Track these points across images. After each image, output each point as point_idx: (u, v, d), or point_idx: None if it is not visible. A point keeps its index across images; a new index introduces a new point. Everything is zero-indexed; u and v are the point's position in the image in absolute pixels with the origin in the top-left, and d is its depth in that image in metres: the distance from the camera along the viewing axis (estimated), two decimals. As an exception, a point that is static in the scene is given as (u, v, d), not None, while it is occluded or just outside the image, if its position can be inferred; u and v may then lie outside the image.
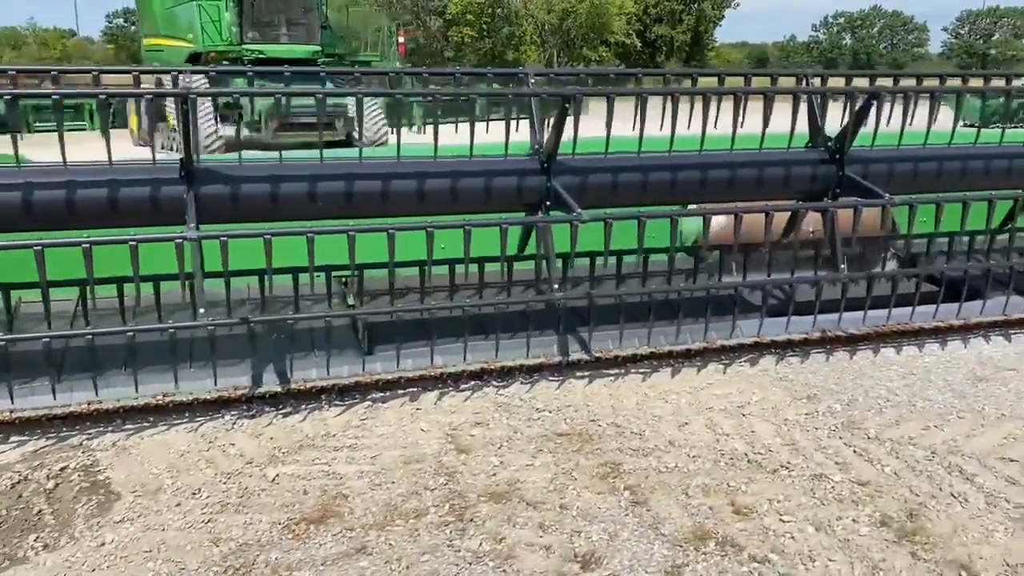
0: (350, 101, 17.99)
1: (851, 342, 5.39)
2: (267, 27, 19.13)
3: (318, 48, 19.19)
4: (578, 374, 4.87)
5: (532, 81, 4.94)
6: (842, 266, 5.01)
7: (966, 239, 6.09)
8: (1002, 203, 5.86)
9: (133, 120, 21.44)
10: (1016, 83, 5.75)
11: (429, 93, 5.26)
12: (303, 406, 4.42)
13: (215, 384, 4.39)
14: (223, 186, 4.33)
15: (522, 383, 4.74)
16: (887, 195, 4.73)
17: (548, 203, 4.69)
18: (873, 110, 5.00)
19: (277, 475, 3.75)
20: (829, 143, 5.08)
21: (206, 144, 15.88)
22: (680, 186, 5.09)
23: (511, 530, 3.32)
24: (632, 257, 5.27)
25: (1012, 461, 3.87)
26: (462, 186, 4.71)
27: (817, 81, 5.30)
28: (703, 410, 4.42)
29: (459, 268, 4.86)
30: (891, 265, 6.54)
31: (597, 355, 4.99)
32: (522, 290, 5.22)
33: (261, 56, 18.39)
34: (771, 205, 5.19)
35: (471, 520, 3.38)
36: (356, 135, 17.92)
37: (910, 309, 5.50)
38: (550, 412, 4.36)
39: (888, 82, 5.36)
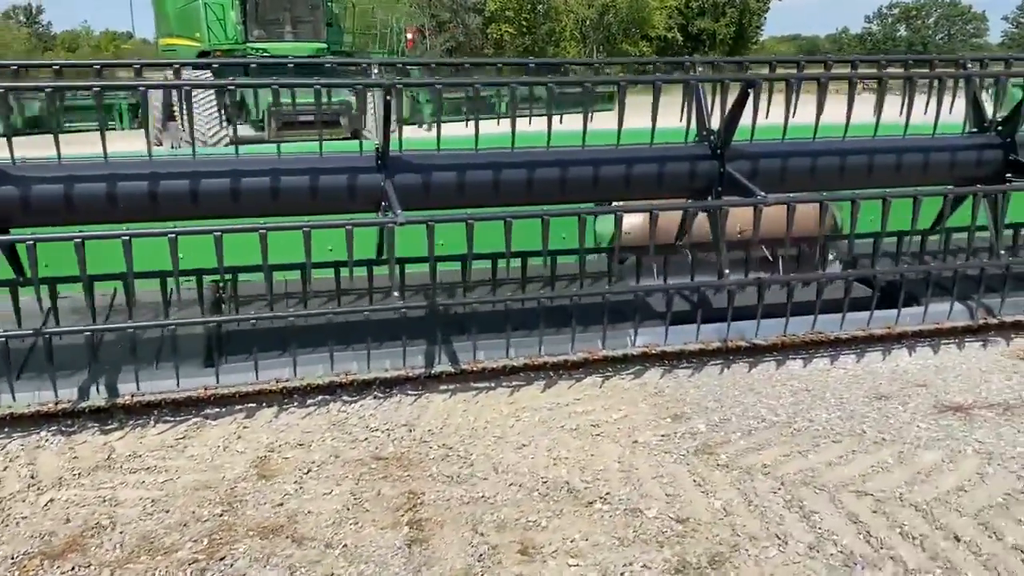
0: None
1: (756, 352, 4.94)
2: (272, 25, 19.01)
3: (323, 46, 19.02)
4: (442, 388, 4.51)
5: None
6: (726, 271, 4.54)
7: (910, 240, 5.58)
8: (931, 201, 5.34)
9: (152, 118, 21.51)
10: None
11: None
12: (131, 422, 4.11)
13: (38, 397, 4.11)
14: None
15: (376, 398, 4.40)
16: (762, 194, 4.27)
17: None
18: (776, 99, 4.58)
19: (51, 500, 3.45)
20: (712, 137, 4.62)
21: (207, 140, 15.78)
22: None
23: (257, 572, 2.96)
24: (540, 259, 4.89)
25: (866, 495, 3.42)
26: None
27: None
28: (554, 429, 4.02)
29: (334, 272, 4.68)
30: (835, 268, 6.09)
31: (464, 367, 4.61)
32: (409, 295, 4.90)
33: (265, 54, 18.23)
34: (666, 203, 4.80)
35: (222, 559, 3.04)
36: (364, 130, 17.72)
37: (840, 316, 5.03)
38: (382, 432, 4.00)
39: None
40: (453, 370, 4.60)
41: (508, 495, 3.44)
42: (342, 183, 4.20)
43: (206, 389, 4.30)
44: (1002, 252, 4.98)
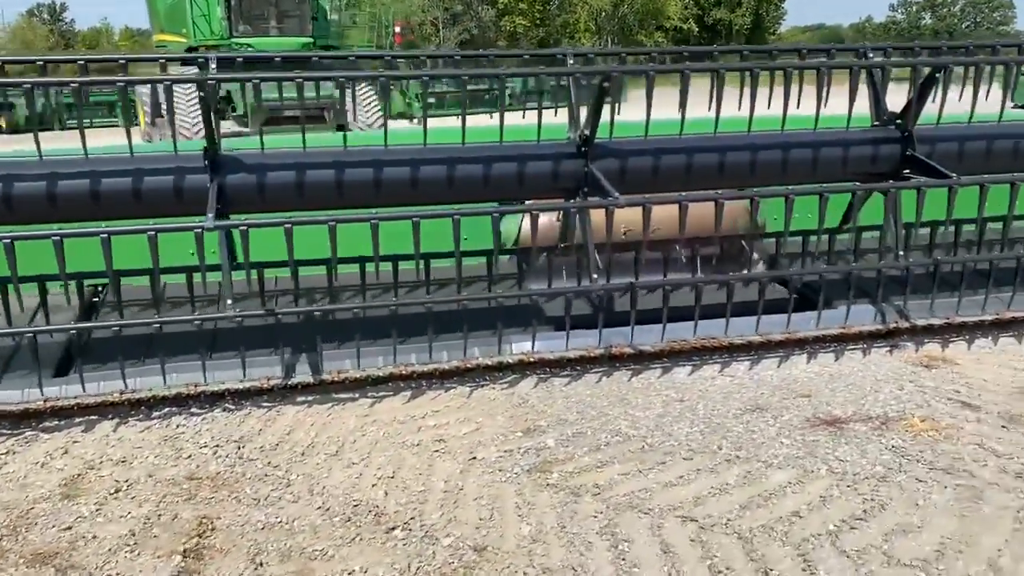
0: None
1: (644, 359, 4.68)
2: (257, 20, 18.87)
3: (310, 40, 18.85)
4: (299, 400, 4.29)
5: (571, 62, 4.56)
6: (592, 274, 4.30)
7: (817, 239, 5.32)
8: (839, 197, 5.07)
9: (141, 114, 21.47)
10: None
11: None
12: (-36, 437, 3.93)
13: None
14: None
15: (226, 410, 4.18)
16: (614, 195, 4.02)
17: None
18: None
19: None
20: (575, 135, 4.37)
21: (190, 134, 15.66)
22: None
23: (2, 606, 2.76)
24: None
25: (692, 521, 3.17)
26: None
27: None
28: (394, 446, 3.80)
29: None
30: (759, 269, 5.84)
31: (326, 377, 4.39)
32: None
33: (249, 49, 18.09)
34: (550, 203, 4.57)
35: (-26, 590, 2.84)
36: (350, 124, 17.54)
37: (755, 320, 4.83)
38: (209, 449, 3.79)
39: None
40: (312, 381, 4.37)
41: (310, 520, 3.23)
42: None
43: (46, 401, 4.11)
44: (900, 253, 4.69)
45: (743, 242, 5.84)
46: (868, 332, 5.00)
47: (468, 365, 4.56)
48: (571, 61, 4.49)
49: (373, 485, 3.47)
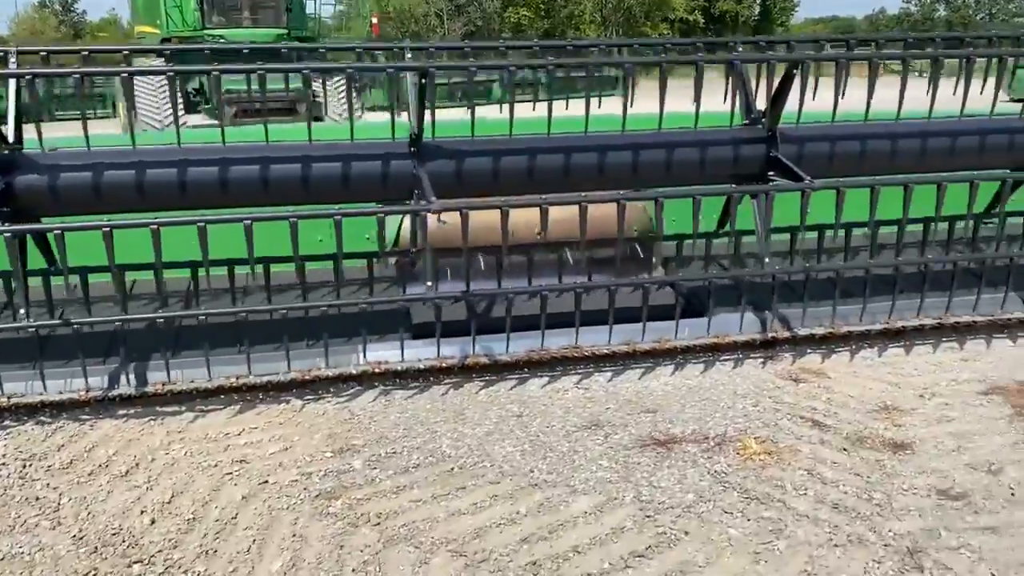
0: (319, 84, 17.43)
1: (499, 370, 4.44)
2: (231, 11, 18.66)
3: (283, 32, 18.61)
4: (120, 413, 4.06)
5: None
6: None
7: (698, 243, 5.08)
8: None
9: (120, 105, 21.37)
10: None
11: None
12: None
13: None
14: None
15: (40, 423, 3.96)
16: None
17: None
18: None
19: None
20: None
21: (157, 125, 15.55)
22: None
23: None
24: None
25: (462, 556, 2.93)
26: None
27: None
28: (192, 466, 3.59)
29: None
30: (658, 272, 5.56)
31: (149, 390, 4.16)
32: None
33: (221, 40, 17.88)
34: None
35: None
36: (325, 116, 17.32)
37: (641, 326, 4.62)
38: (-7, 467, 3.55)
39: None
40: (135, 393, 4.14)
41: (56, 551, 3.00)
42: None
43: None
44: (766, 259, 4.41)
45: (641, 245, 5.55)
46: (744, 342, 4.72)
47: (306, 377, 4.30)
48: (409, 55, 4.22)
49: (143, 512, 3.24)
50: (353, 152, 4.18)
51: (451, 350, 4.43)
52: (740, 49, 4.73)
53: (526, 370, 4.50)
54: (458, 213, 4.16)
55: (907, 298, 4.85)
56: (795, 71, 4.38)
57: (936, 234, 4.90)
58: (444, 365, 4.43)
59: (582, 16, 62.25)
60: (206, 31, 18.02)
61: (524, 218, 4.30)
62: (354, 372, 4.36)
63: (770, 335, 4.78)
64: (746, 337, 4.74)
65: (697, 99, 4.49)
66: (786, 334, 4.80)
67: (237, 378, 4.25)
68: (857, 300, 4.76)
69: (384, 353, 4.41)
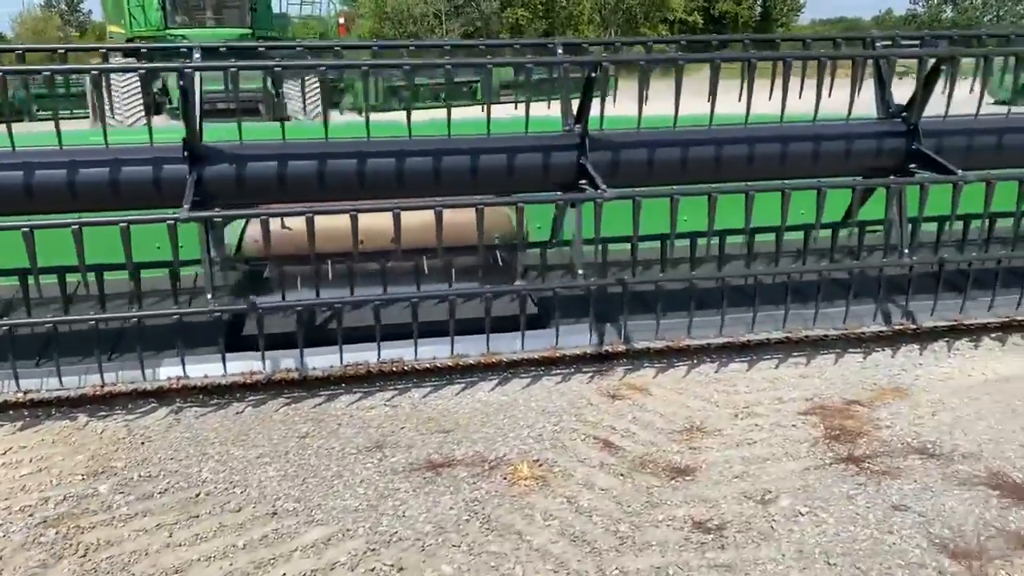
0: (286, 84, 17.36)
1: (315, 386, 4.23)
2: (194, 10, 18.53)
3: (247, 31, 18.44)
4: None
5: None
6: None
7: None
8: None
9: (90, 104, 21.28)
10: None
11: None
12: None
13: None
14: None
15: None
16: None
17: None
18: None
19: None
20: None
21: (125, 123, 15.49)
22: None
23: None
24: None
25: (147, 593, 2.69)
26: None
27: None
28: (-68, 488, 3.35)
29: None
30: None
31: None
32: None
33: (184, 40, 17.69)
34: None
35: None
36: (292, 115, 17.14)
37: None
38: None
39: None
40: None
41: None
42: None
43: None
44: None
45: (503, 253, 5.34)
46: (580, 355, 4.51)
47: (98, 392, 4.10)
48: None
49: None
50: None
51: (269, 365, 4.22)
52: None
53: (342, 385, 4.28)
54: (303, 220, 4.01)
55: (768, 310, 4.63)
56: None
57: (817, 242, 4.74)
58: (249, 381, 4.21)
59: (581, 16, 61.98)
60: (169, 31, 17.88)
61: (388, 224, 4.12)
62: (149, 388, 4.14)
63: (605, 348, 4.55)
64: (578, 351, 4.51)
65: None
66: (622, 347, 4.57)
67: (24, 393, 4.04)
68: (715, 312, 4.55)
69: (190, 368, 4.20)
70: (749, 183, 4.21)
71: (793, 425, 3.81)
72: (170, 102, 17.65)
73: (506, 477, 3.38)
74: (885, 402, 4.03)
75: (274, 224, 4.20)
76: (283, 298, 4.33)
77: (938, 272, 4.63)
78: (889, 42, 4.67)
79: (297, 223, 4.15)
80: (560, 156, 4.30)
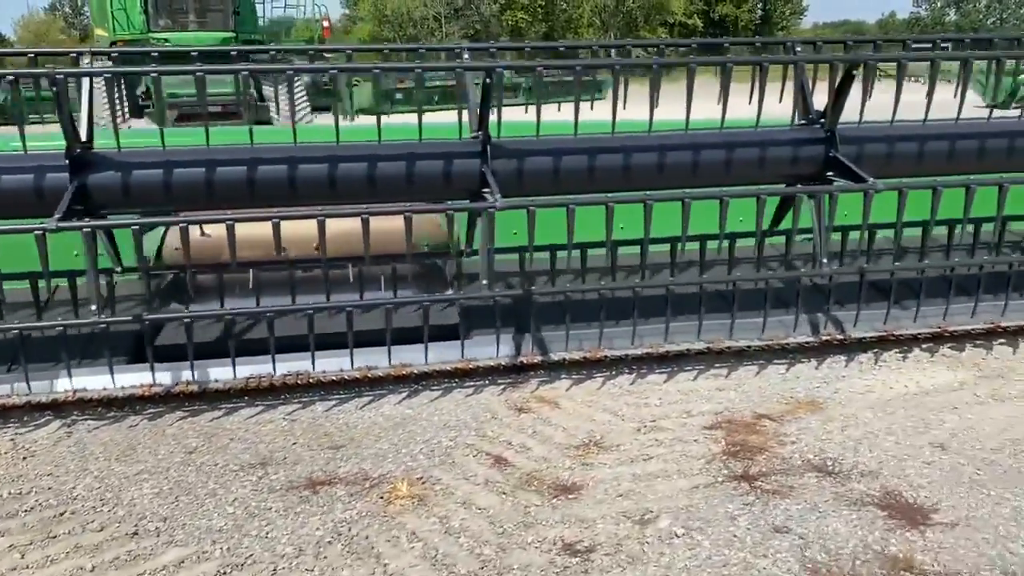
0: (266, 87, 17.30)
1: (214, 399, 4.12)
2: (177, 14, 18.47)
3: (231, 35, 18.36)
4: None
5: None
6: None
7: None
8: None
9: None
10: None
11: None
12: None
13: None
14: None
15: None
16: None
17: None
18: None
19: None
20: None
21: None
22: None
23: None
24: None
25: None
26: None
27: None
28: None
29: None
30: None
31: None
32: None
33: (167, 44, 17.67)
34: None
35: None
36: (275, 118, 17.05)
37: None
38: None
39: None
40: None
41: None
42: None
43: None
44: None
45: (433, 260, 5.23)
46: (495, 367, 4.41)
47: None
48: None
49: None
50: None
51: (169, 377, 4.12)
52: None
53: (244, 398, 4.17)
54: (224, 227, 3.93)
55: (684, 320, 4.53)
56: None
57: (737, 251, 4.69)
58: (148, 394, 4.11)
59: (580, 19, 61.95)
60: (152, 34, 17.81)
61: (313, 231, 4.02)
62: (44, 401, 4.04)
63: (520, 360, 4.44)
64: (491, 362, 4.40)
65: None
66: (537, 359, 4.45)
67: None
68: (628, 322, 4.44)
69: (86, 380, 4.10)
70: (648, 193, 4.10)
71: (695, 440, 3.69)
72: (150, 106, 17.62)
73: (383, 496, 3.26)
74: (797, 416, 3.91)
75: (195, 231, 4.12)
76: (187, 308, 4.20)
77: (859, 282, 4.50)
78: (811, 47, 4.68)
79: (217, 230, 4.06)
80: (461, 164, 4.16)
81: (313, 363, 4.21)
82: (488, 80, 4.07)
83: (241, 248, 3.97)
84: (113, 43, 18.31)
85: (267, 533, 3.06)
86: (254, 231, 4.03)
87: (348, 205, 4.27)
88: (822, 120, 4.48)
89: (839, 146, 4.38)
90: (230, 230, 3.87)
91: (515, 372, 4.43)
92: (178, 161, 3.96)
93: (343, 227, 4.17)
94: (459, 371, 4.40)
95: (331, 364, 4.32)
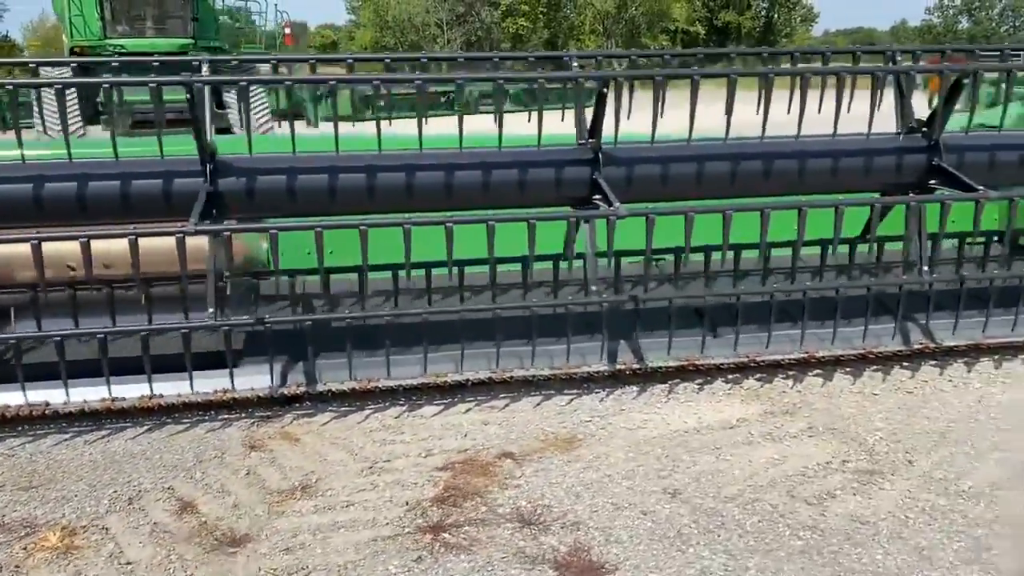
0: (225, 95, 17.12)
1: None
2: (134, 20, 18.35)
3: (188, 41, 18.21)
4: None
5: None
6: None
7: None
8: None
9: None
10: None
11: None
12: None
13: None
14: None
15: None
16: None
17: None
18: None
19: None
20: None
21: (52, 135, 15.30)
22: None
23: None
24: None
25: None
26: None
27: None
28: None
29: None
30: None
31: None
32: None
33: (123, 51, 17.55)
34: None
35: None
36: (235, 127, 16.83)
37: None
38: None
39: None
40: None
41: None
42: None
43: None
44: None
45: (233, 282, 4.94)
46: (262, 398, 4.14)
47: None
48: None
49: None
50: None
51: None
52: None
53: (34, 426, 3.92)
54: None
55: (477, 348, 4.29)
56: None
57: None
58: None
59: (583, 27, 61.76)
60: (108, 41, 17.68)
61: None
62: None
63: (281, 392, 4.16)
64: (251, 394, 4.12)
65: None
66: (301, 390, 4.17)
67: None
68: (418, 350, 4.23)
69: None
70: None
71: (414, 484, 3.41)
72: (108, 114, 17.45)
73: (26, 548, 2.97)
74: (543, 456, 3.61)
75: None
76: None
77: (668, 307, 4.30)
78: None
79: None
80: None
81: (67, 392, 3.94)
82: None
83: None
84: (71, 49, 18.19)
85: None
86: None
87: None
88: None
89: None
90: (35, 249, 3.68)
91: (282, 404, 4.14)
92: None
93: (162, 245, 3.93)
94: (216, 403, 4.10)
95: (88, 394, 4.05)
